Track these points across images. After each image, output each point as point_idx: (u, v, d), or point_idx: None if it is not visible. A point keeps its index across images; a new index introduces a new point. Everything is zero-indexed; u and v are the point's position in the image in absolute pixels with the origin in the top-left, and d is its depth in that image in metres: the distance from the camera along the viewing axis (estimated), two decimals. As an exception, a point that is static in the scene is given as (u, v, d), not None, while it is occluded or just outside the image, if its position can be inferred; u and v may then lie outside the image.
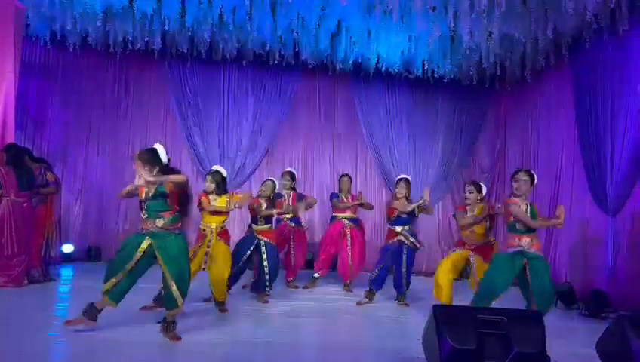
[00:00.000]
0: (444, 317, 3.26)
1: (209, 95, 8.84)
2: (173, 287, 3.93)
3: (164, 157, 4.04)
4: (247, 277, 6.23)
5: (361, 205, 6.79)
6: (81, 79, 8.56)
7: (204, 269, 5.12)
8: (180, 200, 4.14)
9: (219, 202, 5.19)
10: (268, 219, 5.81)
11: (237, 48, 7.80)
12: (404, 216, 5.89)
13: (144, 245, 3.97)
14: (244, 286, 6.28)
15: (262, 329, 4.68)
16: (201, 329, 4.45)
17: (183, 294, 4.00)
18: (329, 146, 9.22)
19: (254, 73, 8.87)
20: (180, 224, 4.10)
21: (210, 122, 8.82)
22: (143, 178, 3.89)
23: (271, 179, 6.08)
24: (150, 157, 3.99)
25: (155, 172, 3.96)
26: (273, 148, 9.06)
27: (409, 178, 6.25)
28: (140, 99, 8.79)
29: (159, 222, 3.98)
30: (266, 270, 5.64)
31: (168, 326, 4.04)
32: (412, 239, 5.88)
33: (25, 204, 5.95)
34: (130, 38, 7.32)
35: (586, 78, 6.83)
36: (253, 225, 5.83)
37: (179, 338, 3.99)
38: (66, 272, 7.18)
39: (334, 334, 4.78)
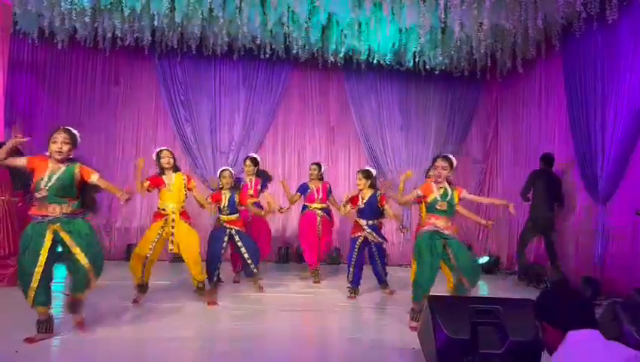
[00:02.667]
0: (438, 307, 3.28)
1: (200, 90, 8.81)
2: (88, 267, 3.87)
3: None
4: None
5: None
6: (70, 76, 8.50)
7: (171, 250, 5.04)
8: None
9: (175, 179, 5.13)
10: (234, 209, 5.76)
11: (227, 42, 7.77)
12: (364, 208, 5.83)
13: (49, 233, 3.82)
14: (235, 282, 6.44)
15: (251, 323, 4.69)
16: (193, 325, 4.46)
17: (97, 275, 3.96)
18: (322, 139, 9.22)
19: (245, 67, 8.84)
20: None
21: (201, 117, 8.79)
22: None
23: (227, 169, 5.92)
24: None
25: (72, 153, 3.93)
26: (266, 142, 9.04)
27: (370, 169, 6.12)
28: (131, 94, 8.74)
29: (66, 208, 3.86)
30: (246, 255, 5.66)
31: (77, 306, 3.98)
32: (375, 235, 5.81)
33: (20, 204, 5.92)
34: (119, 34, 7.27)
35: (576, 66, 6.86)
36: (220, 215, 5.80)
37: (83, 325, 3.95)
38: (60, 271, 7.12)
39: (324, 327, 4.80)
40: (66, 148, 3.84)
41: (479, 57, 7.71)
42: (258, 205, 6.55)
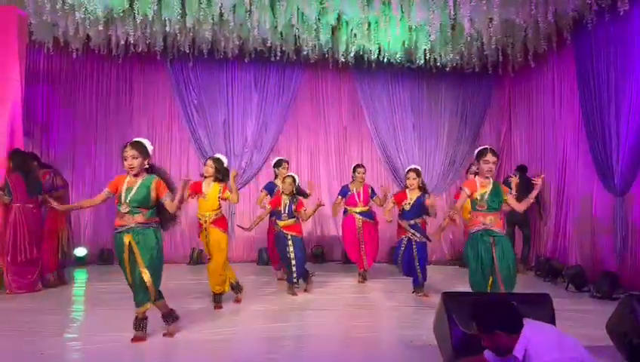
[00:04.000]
0: (453, 304, 3.30)
1: (213, 94, 8.89)
2: (149, 282, 3.90)
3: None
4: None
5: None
6: (85, 83, 8.64)
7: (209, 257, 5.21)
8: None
9: (212, 188, 5.20)
10: (291, 213, 5.87)
11: (238, 46, 7.83)
12: (409, 209, 5.88)
13: (126, 242, 3.90)
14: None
15: (275, 322, 4.74)
16: (221, 326, 4.52)
17: (156, 287, 3.99)
18: (335, 139, 9.25)
19: (257, 70, 8.90)
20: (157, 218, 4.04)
21: (215, 120, 8.87)
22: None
23: (291, 175, 6.01)
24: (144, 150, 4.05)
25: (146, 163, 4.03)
26: (279, 144, 9.08)
27: (419, 168, 6.17)
28: (145, 100, 8.85)
29: (139, 218, 3.93)
30: (293, 262, 5.81)
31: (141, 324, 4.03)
32: (418, 235, 5.86)
33: (34, 210, 6.03)
34: (131, 41, 7.37)
35: (588, 59, 6.80)
36: (277, 220, 5.93)
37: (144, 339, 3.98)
38: (80, 275, 7.27)
39: (347, 325, 4.83)
40: (136, 162, 3.94)
41: (490, 53, 7.67)
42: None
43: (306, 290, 6.04)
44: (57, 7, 6.18)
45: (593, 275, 6.32)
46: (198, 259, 8.35)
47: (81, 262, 8.00)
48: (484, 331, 2.60)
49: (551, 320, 3.23)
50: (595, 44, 6.64)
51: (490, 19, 6.54)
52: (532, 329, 2.52)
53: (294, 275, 5.86)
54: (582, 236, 7.02)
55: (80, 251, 8.10)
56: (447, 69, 8.24)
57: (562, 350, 2.41)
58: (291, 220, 5.88)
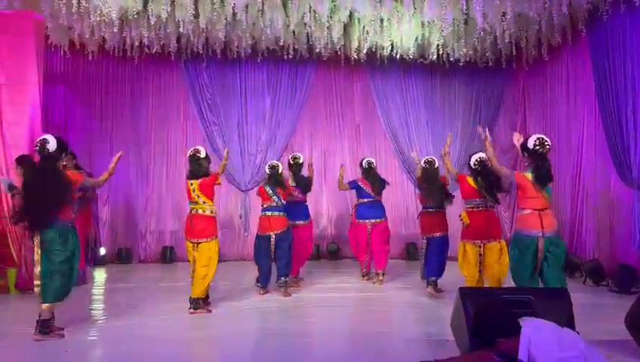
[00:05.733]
0: (470, 299, 3.30)
1: (226, 93, 8.94)
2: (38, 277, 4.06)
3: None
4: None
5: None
6: (101, 85, 8.75)
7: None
8: None
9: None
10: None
11: (251, 45, 7.87)
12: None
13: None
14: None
15: (291, 319, 4.77)
16: (230, 322, 4.56)
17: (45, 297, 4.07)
18: (348, 136, 9.26)
19: (270, 69, 8.93)
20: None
21: (228, 120, 8.92)
22: None
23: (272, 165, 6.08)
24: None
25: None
26: (293, 142, 9.11)
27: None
28: (159, 101, 8.94)
29: None
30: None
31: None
32: None
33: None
34: (146, 42, 7.44)
35: (604, 51, 6.71)
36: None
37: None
38: (99, 275, 7.39)
39: (364, 322, 4.85)
40: None
41: (504, 47, 7.62)
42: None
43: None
44: (73, 10, 6.27)
45: (611, 269, 6.27)
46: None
47: (100, 261, 8.11)
48: (487, 344, 2.61)
49: (569, 314, 3.23)
50: (611, 35, 6.55)
51: (504, 13, 6.50)
52: (531, 329, 2.56)
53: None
54: (599, 230, 6.95)
55: (99, 251, 8.21)
56: (461, 64, 8.19)
57: (563, 349, 2.44)
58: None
